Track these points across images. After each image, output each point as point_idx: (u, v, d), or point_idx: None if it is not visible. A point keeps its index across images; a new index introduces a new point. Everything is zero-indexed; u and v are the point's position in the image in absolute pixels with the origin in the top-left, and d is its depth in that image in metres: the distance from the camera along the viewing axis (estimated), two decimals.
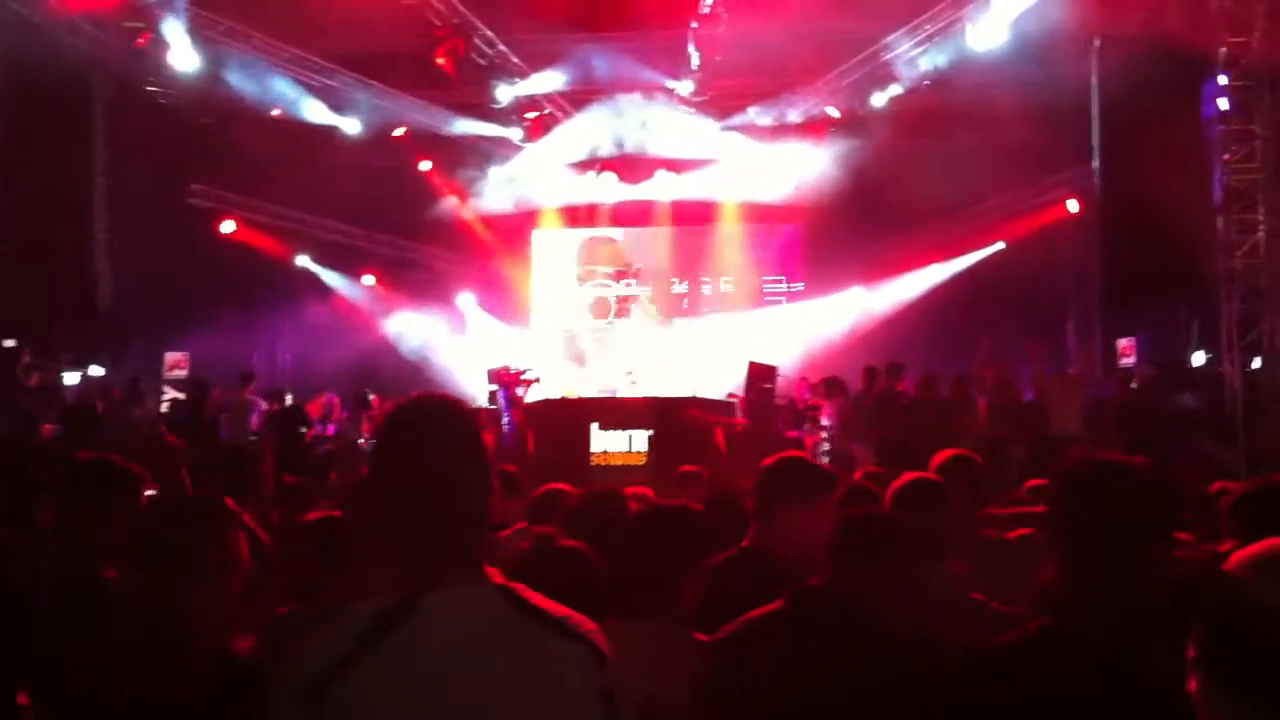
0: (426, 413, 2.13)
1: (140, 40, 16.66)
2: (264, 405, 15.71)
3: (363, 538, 3.73)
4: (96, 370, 17.40)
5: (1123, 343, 17.08)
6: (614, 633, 2.10)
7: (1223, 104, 14.71)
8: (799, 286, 21.63)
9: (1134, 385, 15.16)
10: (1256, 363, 14.61)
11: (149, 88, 18.37)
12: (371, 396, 16.21)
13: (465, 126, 20.33)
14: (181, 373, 18.36)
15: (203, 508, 2.95)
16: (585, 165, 21.45)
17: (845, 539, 2.99)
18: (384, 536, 2.09)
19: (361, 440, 15.30)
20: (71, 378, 16.81)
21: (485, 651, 1.95)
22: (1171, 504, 3.04)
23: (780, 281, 21.80)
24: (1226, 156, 14.68)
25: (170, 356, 18.60)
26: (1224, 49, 14.53)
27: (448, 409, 2.13)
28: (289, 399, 15.68)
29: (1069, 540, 2.54)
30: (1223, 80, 14.64)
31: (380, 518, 2.10)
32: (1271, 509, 3.34)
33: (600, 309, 21.63)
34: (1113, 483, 2.53)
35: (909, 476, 4.10)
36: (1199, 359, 16.17)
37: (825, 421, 15.46)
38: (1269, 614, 1.61)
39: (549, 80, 19.38)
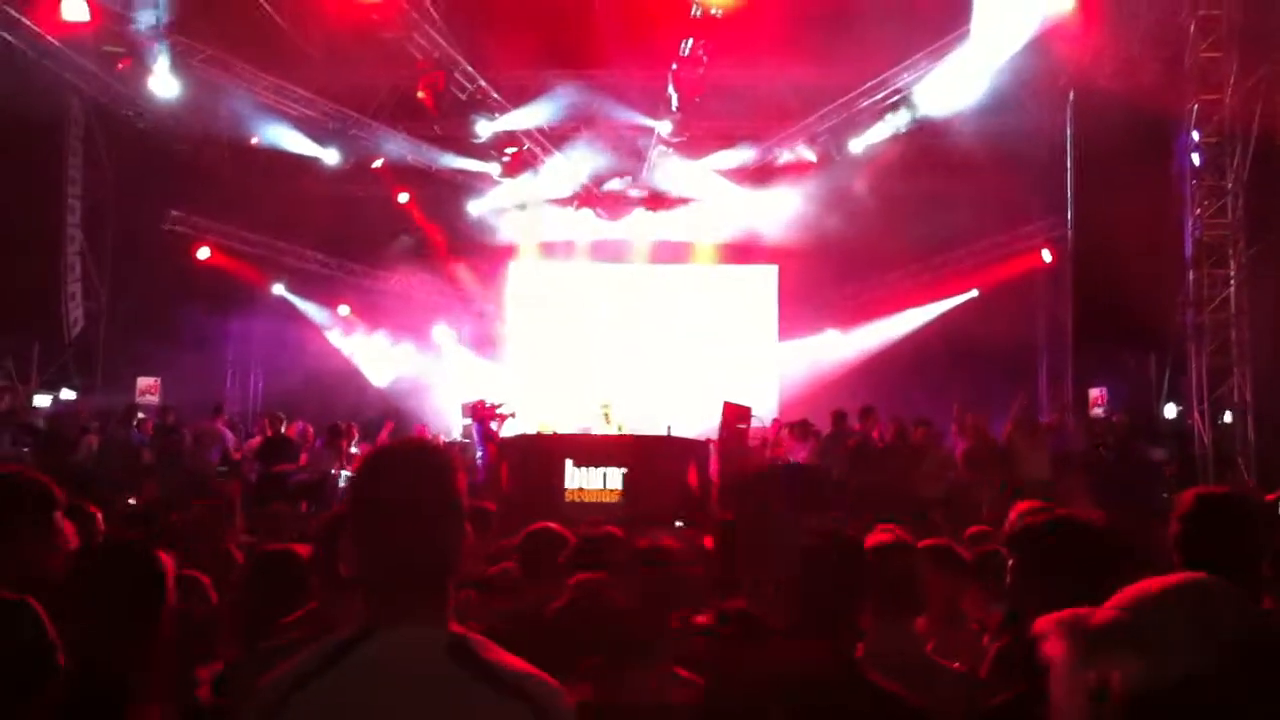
0: (403, 458, 2.17)
1: (121, 65, 16.64)
2: (231, 437, 15.63)
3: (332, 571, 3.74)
4: (68, 394, 17.27)
5: (1094, 393, 17.19)
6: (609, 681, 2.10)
7: (1195, 159, 14.89)
8: (774, 328, 21.69)
9: (1103, 435, 15.23)
10: (1227, 417, 14.73)
11: (127, 113, 18.35)
12: (344, 426, 16.14)
13: (444, 160, 20.37)
14: (153, 398, 18.25)
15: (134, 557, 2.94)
16: (563, 201, 21.51)
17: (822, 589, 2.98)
18: (355, 574, 2.12)
19: (335, 471, 15.21)
20: (41, 400, 16.67)
21: (409, 693, 2.00)
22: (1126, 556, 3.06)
23: (755, 323, 21.85)
24: (1199, 211, 14.84)
25: (142, 381, 18.49)
26: (1197, 105, 14.72)
27: (425, 456, 2.17)
28: (283, 427, 15.53)
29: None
30: (1195, 136, 14.82)
31: (352, 556, 2.14)
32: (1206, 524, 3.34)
33: None
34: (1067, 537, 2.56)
35: (886, 537, 4.10)
36: (1170, 411, 16.28)
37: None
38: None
39: (529, 116, 19.44)
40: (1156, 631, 1.61)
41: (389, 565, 2.07)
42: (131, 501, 12.13)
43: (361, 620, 2.07)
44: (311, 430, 16.35)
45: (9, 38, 15.47)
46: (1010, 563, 3.07)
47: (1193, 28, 14.60)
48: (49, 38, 15.80)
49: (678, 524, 12.11)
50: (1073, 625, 1.81)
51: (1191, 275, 14.87)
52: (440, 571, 2.10)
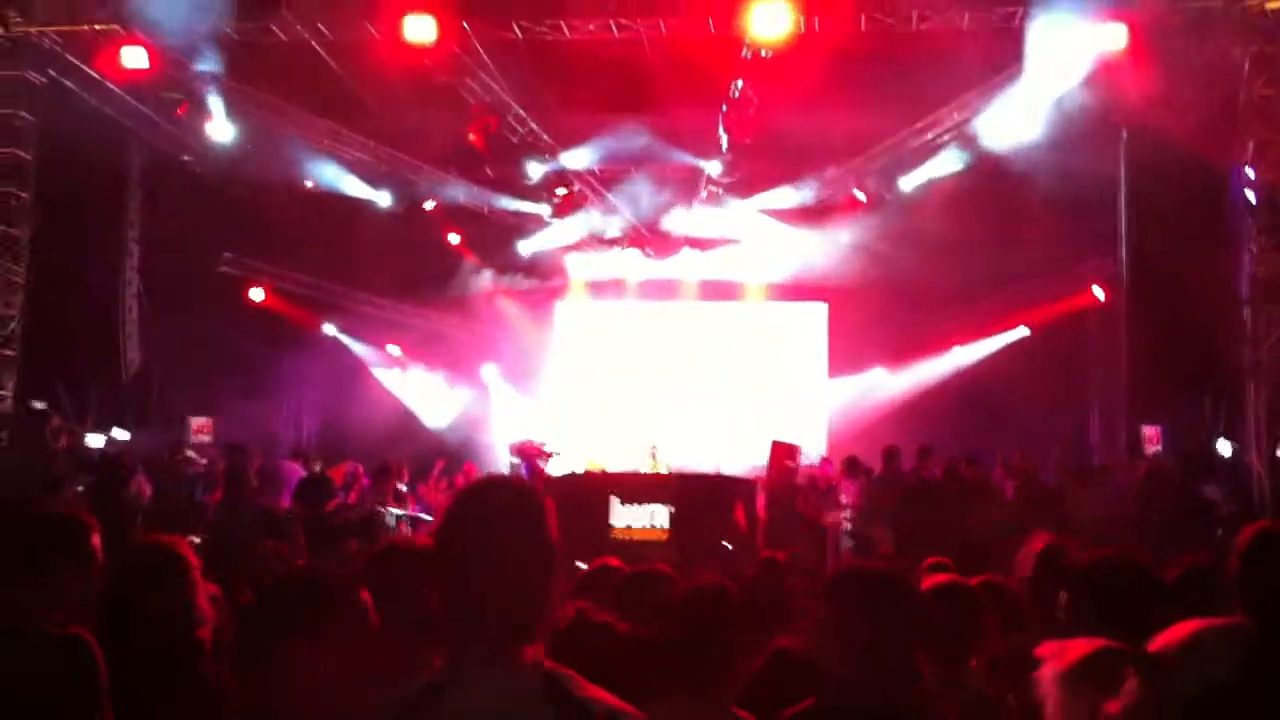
0: (492, 496, 2.16)
1: (179, 111, 16.93)
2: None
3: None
4: (121, 434, 17.46)
5: (1147, 431, 16.97)
6: (661, 715, 2.10)
7: (1250, 196, 14.75)
8: (823, 366, 21.61)
9: (1152, 474, 15.02)
10: None
11: (185, 157, 18.66)
12: (394, 465, 16.20)
13: (495, 201, 20.54)
14: (206, 437, 18.41)
15: None
16: (612, 241, 21.61)
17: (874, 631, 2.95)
18: (441, 613, 2.11)
19: (384, 509, 15.26)
20: (95, 440, 16.87)
21: None
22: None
23: (804, 360, 21.79)
24: (1254, 248, 14.69)
25: (195, 421, 18.67)
26: (1252, 142, 14.60)
27: (513, 493, 2.16)
28: (317, 467, 15.64)
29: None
30: (1250, 173, 14.69)
31: (439, 595, 2.13)
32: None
33: None
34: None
35: (942, 578, 4.07)
36: (1225, 449, 16.04)
37: (845, 500, 15.42)
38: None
39: (579, 157, 19.57)
40: (1192, 664, 1.61)
41: (479, 602, 2.05)
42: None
43: (448, 662, 2.06)
44: (361, 469, 16.44)
45: (70, 84, 15.82)
46: (1062, 600, 3.05)
47: (1247, 65, 14.51)
48: (109, 84, 16.13)
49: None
50: (1077, 651, 1.81)
51: (1248, 312, 14.70)
52: (532, 608, 2.09)
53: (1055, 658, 1.86)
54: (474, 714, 1.98)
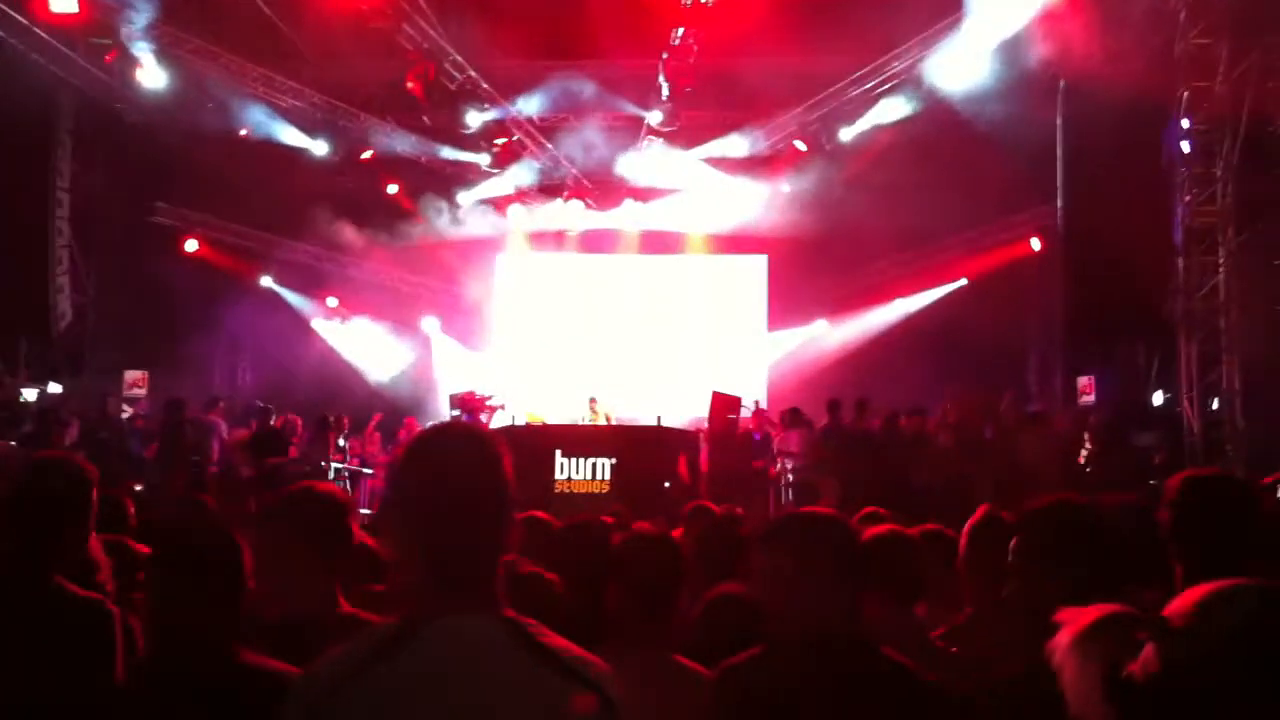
0: (449, 442, 2.12)
1: (108, 57, 16.57)
2: (225, 429, 15.57)
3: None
4: (55, 388, 17.21)
5: (1082, 380, 17.21)
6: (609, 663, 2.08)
7: (1185, 147, 14.89)
8: (763, 318, 21.69)
9: (1091, 424, 15.25)
10: (1215, 404, 14.76)
11: (116, 105, 18.26)
12: (334, 418, 16.11)
13: (434, 150, 20.32)
14: (140, 391, 18.19)
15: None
16: (552, 192, 21.48)
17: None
18: (402, 562, 2.09)
19: (325, 464, 15.18)
20: (30, 394, 16.62)
21: (479, 680, 1.95)
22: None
23: (744, 312, 21.85)
24: (1188, 199, 14.85)
25: (130, 375, 18.42)
26: (1187, 92, 14.73)
27: (470, 439, 2.12)
28: (271, 420, 15.48)
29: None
30: (1185, 123, 14.83)
31: (398, 544, 2.11)
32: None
33: None
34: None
35: (882, 528, 4.11)
36: (1158, 398, 16.31)
37: (793, 452, 15.53)
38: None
39: (518, 106, 19.41)
40: (1205, 628, 1.62)
41: (442, 551, 2.02)
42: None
43: (412, 608, 2.02)
44: (300, 422, 16.32)
45: None
46: (1013, 544, 3.09)
47: (1183, 15, 14.60)
48: (36, 29, 15.73)
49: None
50: (1090, 616, 1.82)
51: (1181, 262, 14.88)
52: (493, 556, 2.07)
53: (1069, 623, 1.87)
54: (440, 661, 1.95)
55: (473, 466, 2.06)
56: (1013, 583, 3.04)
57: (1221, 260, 14.74)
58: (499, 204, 21.49)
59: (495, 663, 1.97)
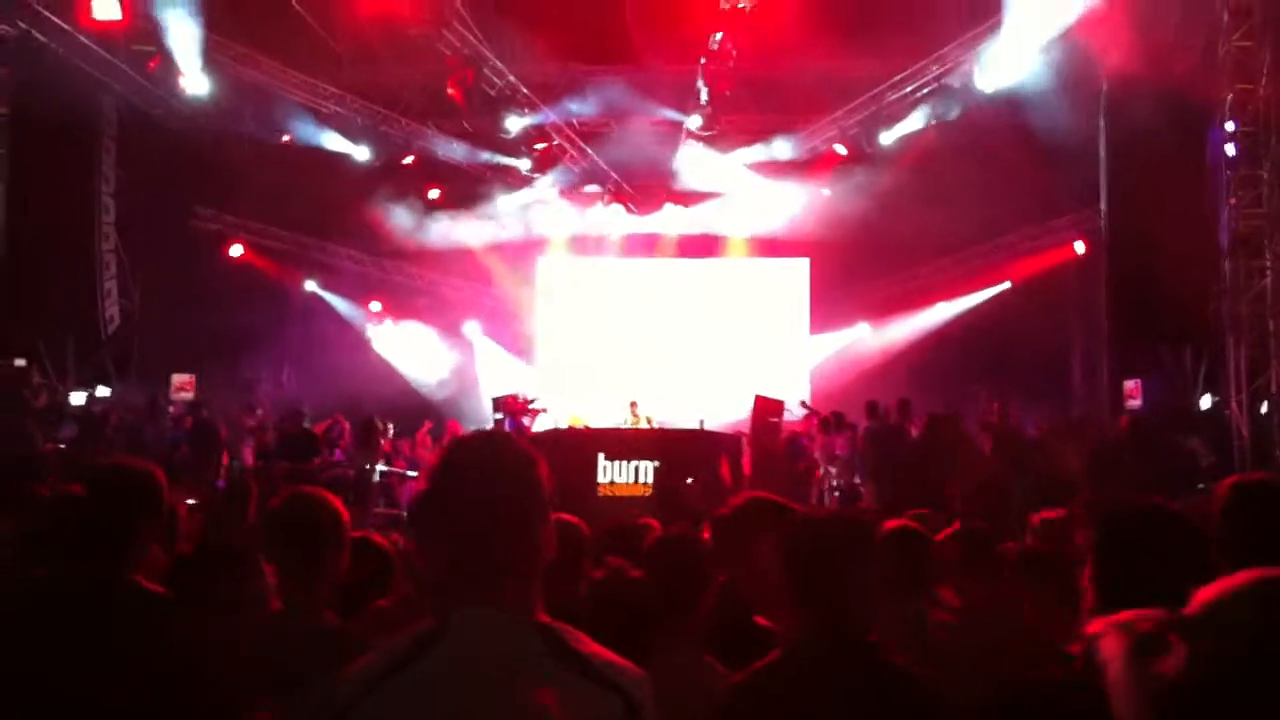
0: (478, 447, 2.16)
1: (151, 64, 16.74)
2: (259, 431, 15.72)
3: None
4: (103, 391, 17.40)
5: (1128, 385, 17.04)
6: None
7: (1229, 150, 14.74)
8: (805, 321, 21.63)
9: (1133, 429, 15.10)
10: (1264, 408, 14.58)
11: (159, 111, 18.45)
12: (379, 422, 16.21)
13: (474, 155, 20.42)
14: (188, 394, 18.34)
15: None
16: (593, 196, 21.53)
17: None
18: (435, 566, 2.12)
19: (369, 467, 15.28)
20: (78, 398, 16.82)
21: (505, 689, 1.96)
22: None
23: (786, 316, 21.79)
24: (1233, 201, 14.69)
25: (177, 378, 18.58)
26: (1230, 95, 14.59)
27: (505, 446, 2.16)
28: (305, 423, 15.62)
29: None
30: (1229, 126, 14.68)
31: (431, 548, 2.14)
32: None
33: None
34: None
35: (898, 522, 4.14)
36: (1205, 403, 16.13)
37: (836, 455, 15.51)
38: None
39: (558, 112, 19.47)
40: (1222, 622, 1.61)
41: (475, 555, 2.05)
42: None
43: (438, 610, 2.05)
44: (348, 426, 16.43)
45: (41, 37, 15.56)
46: (1094, 549, 3.07)
47: (1225, 17, 14.47)
48: (80, 37, 15.91)
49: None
50: (1130, 625, 1.82)
51: (1227, 265, 14.73)
52: (527, 561, 2.08)
53: (1110, 632, 1.87)
54: (473, 659, 1.97)
55: (506, 467, 2.09)
56: (1092, 590, 3.01)
57: (1269, 263, 14.56)
58: (540, 208, 21.55)
59: (522, 667, 1.98)
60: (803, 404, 17.47)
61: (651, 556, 3.51)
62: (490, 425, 17.25)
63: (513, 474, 2.10)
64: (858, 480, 15.56)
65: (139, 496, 3.30)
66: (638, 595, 3.26)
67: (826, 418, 16.32)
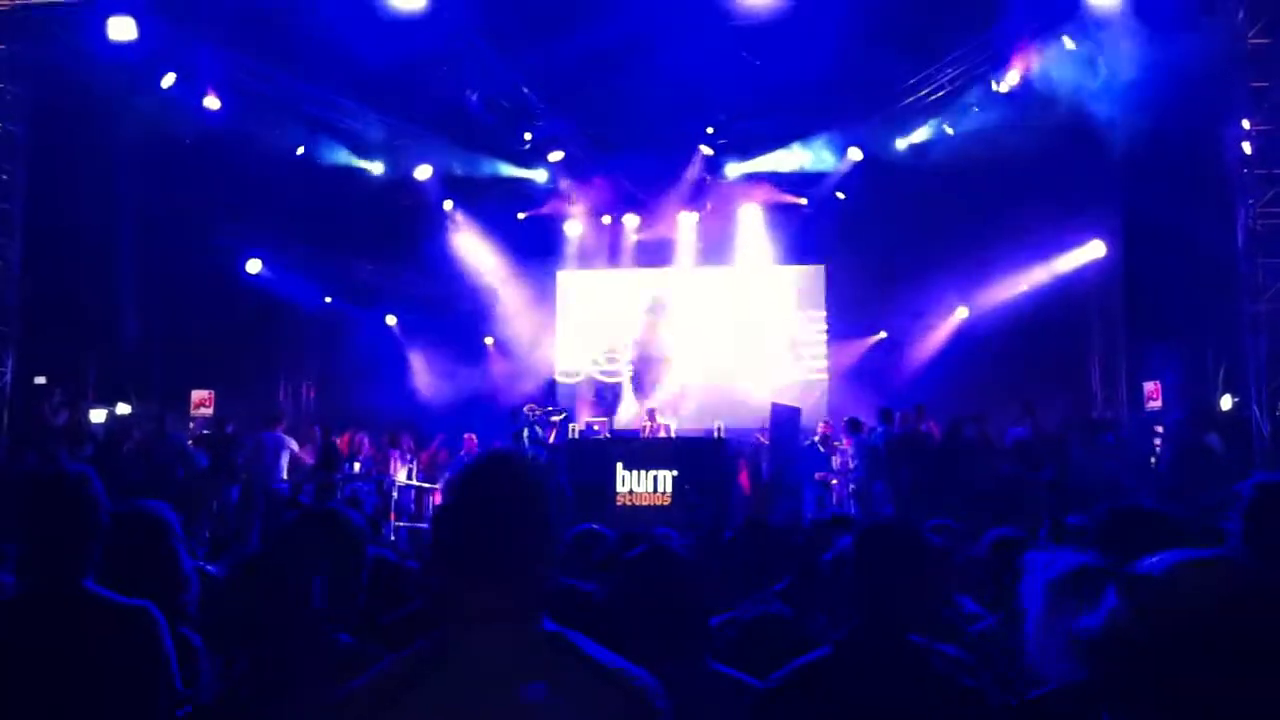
0: (491, 468, 2.20)
1: (167, 79, 16.82)
2: (294, 445, 15.72)
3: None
4: (123, 408, 17.48)
5: (1149, 386, 16.97)
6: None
7: (1246, 148, 14.68)
8: (823, 327, 21.57)
9: (1158, 429, 15.08)
10: None
11: (176, 129, 18.52)
12: (397, 435, 16.25)
13: (490, 168, 20.46)
14: (207, 410, 18.42)
15: None
16: (609, 206, 21.55)
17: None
18: (446, 580, 2.16)
19: (390, 478, 15.33)
20: (98, 415, 16.89)
21: (513, 694, 1.99)
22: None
23: (804, 322, 21.75)
24: (1251, 201, 14.63)
25: (196, 394, 18.67)
26: (1246, 92, 14.53)
27: (511, 465, 2.20)
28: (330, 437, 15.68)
29: None
30: (1246, 124, 14.63)
31: (442, 562, 2.18)
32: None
33: None
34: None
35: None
36: (1226, 403, 16.06)
37: (852, 463, 15.48)
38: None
39: (573, 123, 19.48)
40: (1169, 582, 1.62)
41: (482, 567, 2.09)
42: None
43: (455, 622, 2.09)
44: (367, 439, 16.47)
45: (59, 57, 15.66)
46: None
47: (1241, 14, 14.42)
48: (97, 56, 16.00)
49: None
50: (1057, 565, 1.83)
51: (1245, 265, 14.67)
52: (532, 571, 2.12)
53: (1043, 568, 1.89)
54: (484, 668, 2.01)
55: (514, 483, 2.16)
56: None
57: None
58: (556, 220, 21.58)
59: (533, 674, 2.01)
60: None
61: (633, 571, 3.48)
62: (509, 437, 17.28)
63: (520, 490, 2.15)
64: (853, 487, 15.53)
65: (75, 503, 3.32)
66: (647, 602, 3.27)
67: (842, 423, 16.30)
